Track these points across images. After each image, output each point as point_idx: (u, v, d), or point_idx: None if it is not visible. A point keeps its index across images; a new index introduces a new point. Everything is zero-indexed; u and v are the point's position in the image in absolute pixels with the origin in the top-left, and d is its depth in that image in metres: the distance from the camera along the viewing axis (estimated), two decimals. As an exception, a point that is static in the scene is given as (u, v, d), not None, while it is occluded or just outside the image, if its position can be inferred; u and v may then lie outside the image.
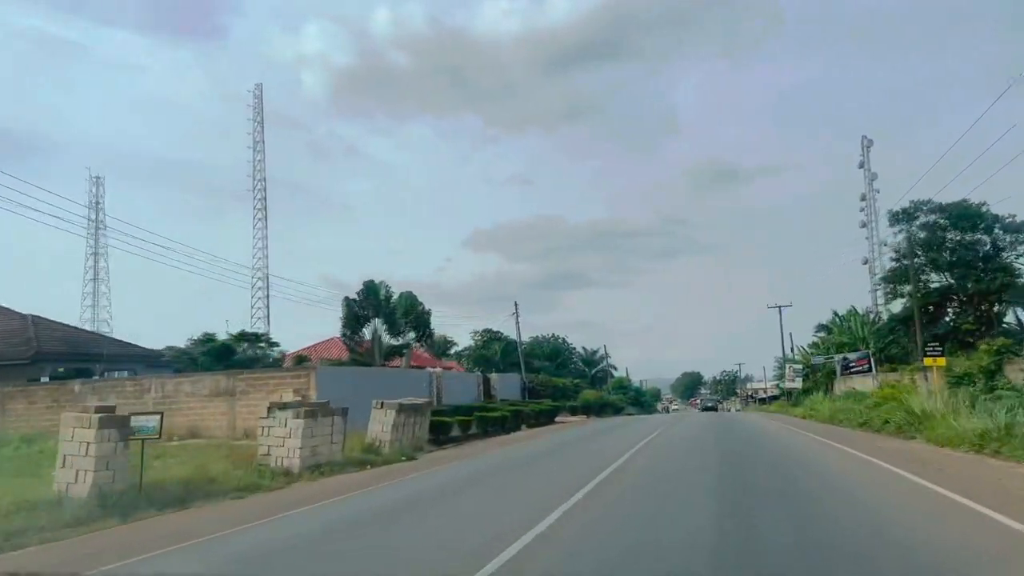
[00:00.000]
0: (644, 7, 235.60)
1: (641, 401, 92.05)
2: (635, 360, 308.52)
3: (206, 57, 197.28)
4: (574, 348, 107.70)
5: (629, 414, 73.18)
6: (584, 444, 25.08)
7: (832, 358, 46.53)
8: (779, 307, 68.57)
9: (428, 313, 42.47)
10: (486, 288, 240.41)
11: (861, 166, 73.73)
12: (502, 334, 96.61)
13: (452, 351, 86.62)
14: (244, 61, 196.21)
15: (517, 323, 53.19)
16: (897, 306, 52.91)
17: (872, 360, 41.70)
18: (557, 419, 44.54)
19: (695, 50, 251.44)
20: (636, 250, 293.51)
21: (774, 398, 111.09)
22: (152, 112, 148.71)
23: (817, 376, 59.98)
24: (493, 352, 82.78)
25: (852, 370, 42.18)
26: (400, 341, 42.07)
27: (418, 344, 43.16)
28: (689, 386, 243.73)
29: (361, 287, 37.82)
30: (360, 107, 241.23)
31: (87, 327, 57.08)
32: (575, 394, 56.75)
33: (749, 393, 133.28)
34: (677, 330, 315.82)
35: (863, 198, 74.60)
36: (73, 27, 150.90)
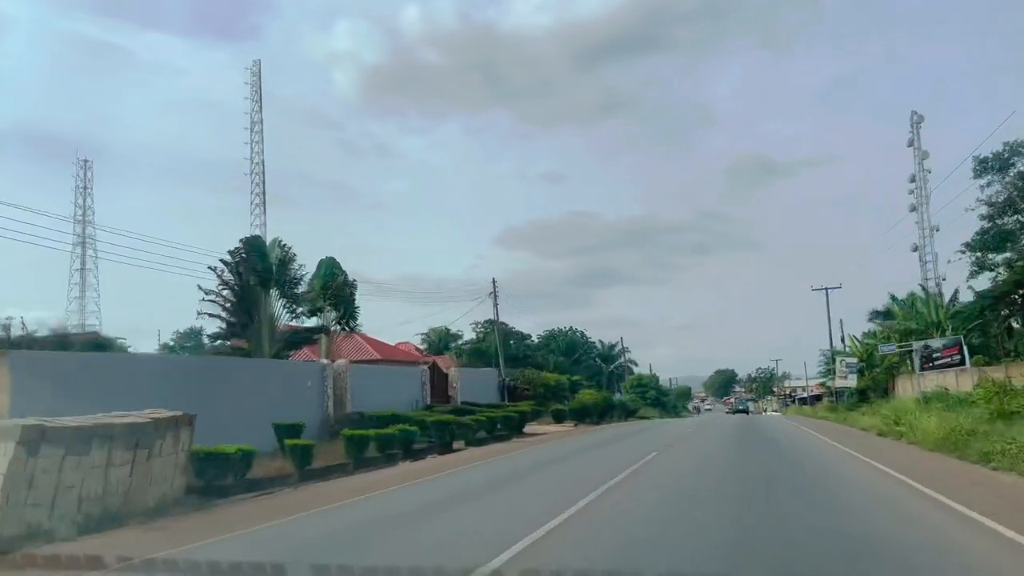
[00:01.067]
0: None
1: (663, 402, 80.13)
2: (670, 358, 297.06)
3: (242, 57, 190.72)
4: (593, 343, 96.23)
5: (644, 417, 61.48)
6: (470, 503, 13.11)
7: (909, 345, 34.17)
8: (826, 289, 56.22)
9: (352, 286, 31.48)
10: (518, 286, 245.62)
11: (910, 144, 64.80)
12: (507, 325, 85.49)
13: (454, 345, 76.02)
14: (279, 61, 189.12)
15: (495, 304, 42.15)
16: (982, 283, 40.49)
17: (965, 349, 29.48)
18: (528, 428, 33.01)
19: (733, 42, 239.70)
20: (672, 246, 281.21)
21: (816, 398, 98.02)
22: (190, 113, 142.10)
23: (875, 372, 47.72)
24: (488, 345, 71.67)
25: (937, 363, 29.99)
26: (320, 323, 31.24)
27: (340, 327, 32.06)
28: (723, 384, 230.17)
29: (240, 245, 26.62)
30: (392, 105, 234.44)
31: (74, 320, 51.30)
32: (571, 394, 45.26)
33: (788, 392, 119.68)
34: (714, 327, 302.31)
35: (912, 179, 66.42)
36: (114, 31, 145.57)
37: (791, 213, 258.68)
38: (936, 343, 29.63)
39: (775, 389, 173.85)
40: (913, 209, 68.49)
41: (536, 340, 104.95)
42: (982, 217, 37.32)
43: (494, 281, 41.50)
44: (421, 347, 69.33)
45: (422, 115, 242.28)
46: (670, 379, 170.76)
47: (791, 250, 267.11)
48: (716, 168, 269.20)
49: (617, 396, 72.17)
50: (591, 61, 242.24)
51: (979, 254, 38.26)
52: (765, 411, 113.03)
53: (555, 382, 46.18)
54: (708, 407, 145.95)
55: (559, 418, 37.15)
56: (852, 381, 44.24)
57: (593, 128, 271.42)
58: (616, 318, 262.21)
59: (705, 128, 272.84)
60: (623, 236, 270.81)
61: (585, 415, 41.68)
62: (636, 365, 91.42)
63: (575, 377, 56.39)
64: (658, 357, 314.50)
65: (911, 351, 34.04)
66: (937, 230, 67.03)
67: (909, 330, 42.69)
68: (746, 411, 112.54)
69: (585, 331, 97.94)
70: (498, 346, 42.01)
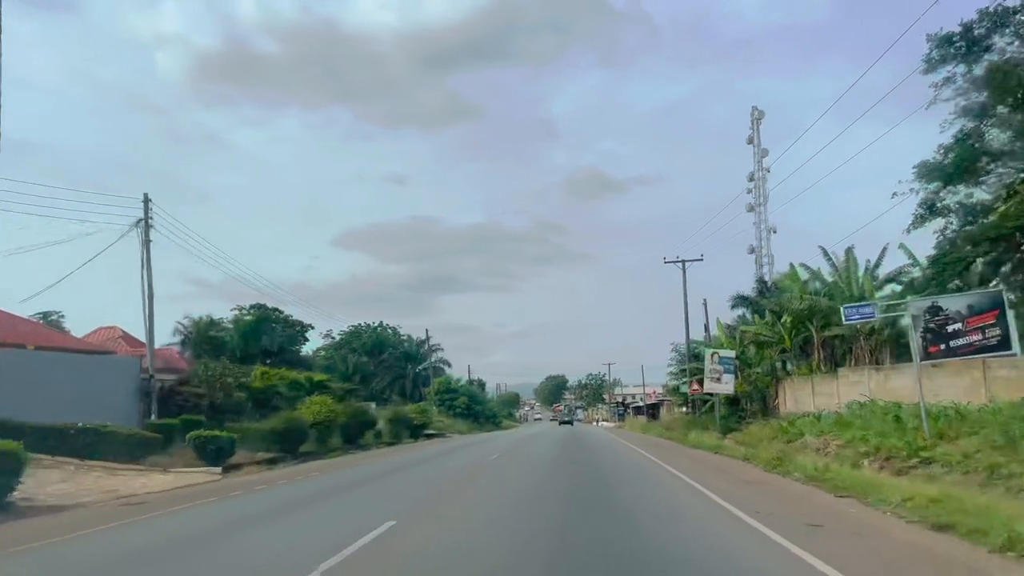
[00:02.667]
0: (527, 11, 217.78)
1: (476, 412, 63.36)
2: (507, 365, 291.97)
3: (57, 31, 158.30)
4: (405, 341, 77.87)
5: (438, 435, 44.14)
6: None
7: (900, 306, 17.47)
8: (682, 261, 41.55)
9: None
10: (356, 289, 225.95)
11: (750, 142, 61.30)
12: (282, 312, 64.92)
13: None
14: (99, 38, 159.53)
15: (144, 240, 22.45)
16: (922, 240, 27.10)
17: (1010, 317, 14.06)
18: (110, 479, 13.79)
19: (575, 58, 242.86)
20: (512, 255, 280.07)
21: (654, 407, 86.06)
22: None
23: (753, 374, 33.28)
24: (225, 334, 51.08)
25: (958, 340, 14.20)
26: None
27: None
28: (554, 391, 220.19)
29: None
30: (224, 95, 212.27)
31: None
32: (279, 404, 26.21)
33: (620, 399, 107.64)
34: (550, 335, 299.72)
35: (751, 178, 63.18)
36: None
37: (627, 226, 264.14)
38: (954, 301, 14.20)
39: (606, 397, 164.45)
40: (751, 209, 64.05)
41: (338, 337, 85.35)
42: (945, 124, 23.11)
43: (146, 198, 22.05)
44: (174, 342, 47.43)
45: (257, 106, 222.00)
46: (497, 385, 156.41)
47: (625, 262, 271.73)
48: (555, 181, 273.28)
49: (422, 403, 54.50)
50: (437, 65, 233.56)
51: (939, 186, 24.23)
52: (595, 422, 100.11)
53: (266, 385, 27.13)
54: (537, 416, 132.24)
55: (209, 452, 18.11)
56: (728, 385, 29.13)
57: (437, 133, 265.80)
58: (455, 324, 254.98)
59: (547, 141, 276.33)
60: (464, 243, 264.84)
61: (297, 439, 23.06)
62: (448, 366, 74.40)
63: (322, 378, 37.44)
64: (494, 364, 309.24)
65: (896, 317, 18.77)
66: (774, 232, 64.04)
67: (814, 309, 28.38)
68: (571, 423, 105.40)
69: (398, 327, 79.53)
70: (146, 321, 22.24)
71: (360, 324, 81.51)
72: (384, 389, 72.94)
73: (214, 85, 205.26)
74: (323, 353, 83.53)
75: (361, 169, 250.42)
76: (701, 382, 37.09)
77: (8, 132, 23.57)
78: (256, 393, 25.92)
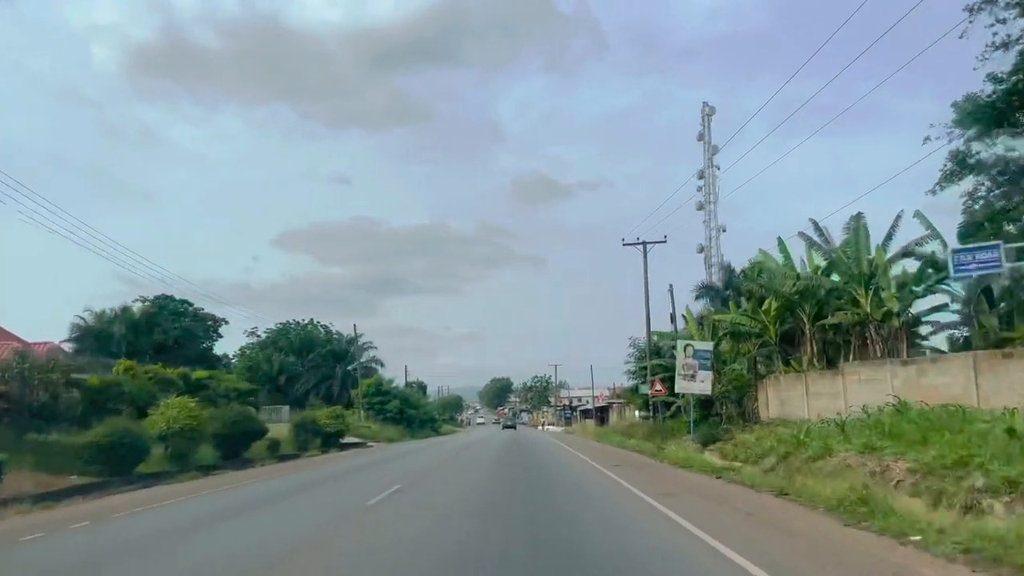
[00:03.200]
0: (475, 13, 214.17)
1: (410, 416, 56.75)
2: (453, 368, 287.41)
3: None
4: (336, 339, 70.90)
5: (358, 444, 37.71)
6: None
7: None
8: (643, 244, 36.26)
9: None
10: (297, 290, 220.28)
11: (700, 139, 60.32)
12: (191, 305, 57.44)
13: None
14: (31, 27, 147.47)
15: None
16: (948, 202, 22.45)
17: None
18: None
19: (523, 63, 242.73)
20: (459, 257, 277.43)
21: (603, 409, 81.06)
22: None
23: (730, 371, 28.05)
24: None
25: None
26: None
27: None
28: (498, 394, 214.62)
29: None
30: (162, 89, 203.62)
31: None
32: (119, 407, 19.57)
33: (567, 403, 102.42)
34: (496, 338, 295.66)
35: (701, 175, 61.41)
36: None
37: (572, 231, 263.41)
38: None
39: (551, 399, 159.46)
40: (700, 207, 61.89)
41: (264, 335, 77.66)
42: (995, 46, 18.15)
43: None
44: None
45: (197, 103, 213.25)
46: (439, 387, 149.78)
47: (572, 265, 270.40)
48: (502, 184, 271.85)
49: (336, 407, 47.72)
50: (384, 66, 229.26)
51: (963, 134, 19.31)
52: (541, 426, 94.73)
53: (107, 384, 20.27)
54: (480, 419, 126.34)
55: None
56: (705, 384, 23.70)
57: (383, 133, 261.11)
58: (400, 327, 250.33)
59: (494, 144, 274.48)
60: (410, 245, 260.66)
61: (132, 457, 16.49)
62: (381, 366, 67.54)
63: (202, 375, 30.65)
64: (441, 367, 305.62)
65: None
66: (724, 230, 63.21)
67: (809, 290, 23.23)
68: (514, 427, 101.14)
69: (331, 325, 72.47)
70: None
71: (289, 321, 74.23)
72: (308, 392, 65.98)
73: (151, 79, 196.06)
74: (248, 352, 75.89)
75: (305, 169, 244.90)
76: (665, 381, 31.77)
77: None
78: (94, 393, 19.24)
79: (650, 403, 32.98)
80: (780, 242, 27.30)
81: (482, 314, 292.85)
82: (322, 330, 72.27)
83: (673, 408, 31.64)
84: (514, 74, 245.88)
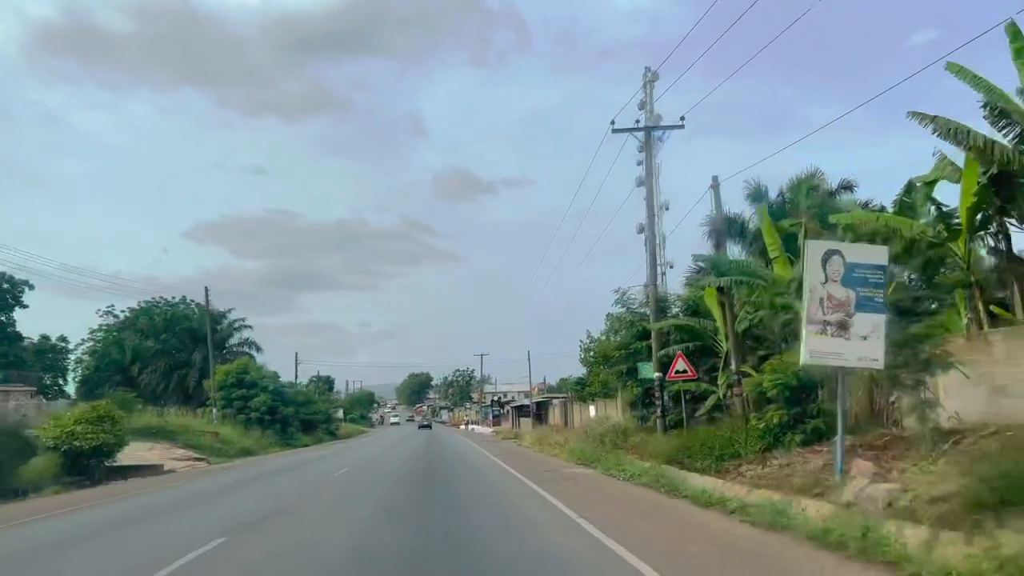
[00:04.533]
0: (396, 2, 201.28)
1: (284, 416, 40.53)
2: (371, 366, 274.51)
3: None
4: (218, 318, 54.36)
5: (120, 471, 22.48)
6: None
7: None
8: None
9: None
10: (209, 284, 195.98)
11: (641, 107, 48.77)
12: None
13: None
14: None
15: None
16: None
17: None
18: None
19: (445, 55, 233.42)
20: (379, 253, 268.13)
21: (541, 406, 67.22)
22: None
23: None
24: None
25: None
26: None
27: None
28: (417, 390, 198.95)
29: None
30: (64, 71, 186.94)
31: None
32: None
33: (496, 399, 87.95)
34: (416, 335, 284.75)
35: (641, 148, 49.74)
36: None
37: (494, 228, 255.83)
38: None
39: (474, 395, 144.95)
40: (640, 184, 53.28)
41: (122, 316, 60.03)
42: None
43: None
44: None
45: (102, 87, 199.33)
46: (347, 382, 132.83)
47: (494, 261, 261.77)
48: (424, 179, 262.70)
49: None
50: (300, 54, 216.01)
51: None
52: (465, 424, 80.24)
53: None
54: (395, 418, 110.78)
55: None
56: (873, 342, 10.08)
57: (299, 123, 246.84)
58: (317, 323, 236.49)
59: (415, 138, 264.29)
60: (327, 239, 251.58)
61: None
62: (258, 351, 51.36)
63: None
64: (359, 365, 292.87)
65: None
66: (667, 208, 53.27)
67: None
68: (429, 426, 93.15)
69: (210, 304, 55.71)
70: None
71: (157, 299, 57.03)
72: (160, 385, 49.39)
73: (52, 59, 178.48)
74: (100, 334, 58.44)
75: (218, 158, 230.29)
76: (692, 355, 17.99)
77: None
78: None
79: (663, 393, 19.03)
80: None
81: (402, 311, 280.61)
82: (195, 310, 55.57)
83: (710, 403, 17.82)
84: (436, 67, 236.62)
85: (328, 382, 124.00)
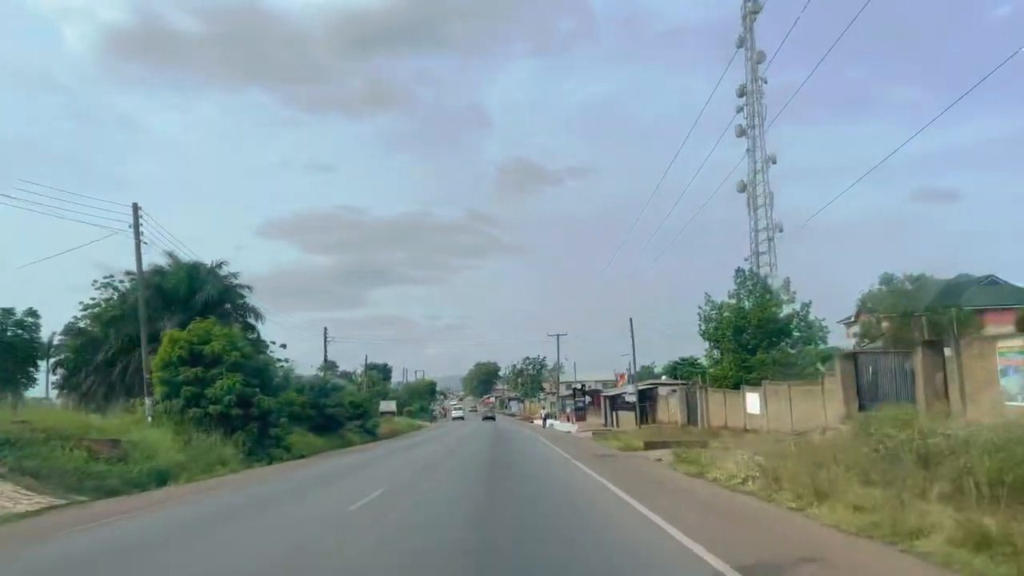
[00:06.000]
0: None
1: (263, 410, 25.18)
2: (441, 358, 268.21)
3: None
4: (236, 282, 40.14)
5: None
6: None
7: None
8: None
9: None
10: (282, 281, 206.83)
11: (740, 44, 49.85)
12: None
13: None
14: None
15: None
16: None
17: None
18: None
19: (508, 45, 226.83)
20: (446, 246, 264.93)
21: (645, 397, 49.99)
22: None
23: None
24: None
25: None
26: None
27: None
28: (485, 380, 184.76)
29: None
30: (137, 75, 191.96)
31: None
32: None
33: (580, 387, 71.45)
34: (487, 327, 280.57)
35: (742, 92, 49.89)
36: None
37: (559, 218, 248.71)
38: None
39: (546, 385, 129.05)
40: (742, 133, 50.96)
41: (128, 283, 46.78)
42: None
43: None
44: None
45: (173, 89, 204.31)
46: (406, 370, 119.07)
47: (559, 254, 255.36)
48: (488, 171, 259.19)
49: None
50: (363, 49, 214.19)
51: None
52: (543, 420, 64.40)
53: None
54: (457, 409, 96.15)
55: None
56: None
57: (363, 119, 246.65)
58: (386, 317, 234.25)
59: (478, 130, 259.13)
60: (393, 233, 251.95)
61: None
62: (258, 320, 36.77)
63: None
64: (428, 357, 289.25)
65: None
66: (774, 162, 50.31)
67: None
68: (492, 418, 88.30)
69: (224, 264, 41.81)
70: None
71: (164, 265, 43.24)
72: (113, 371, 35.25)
73: (126, 64, 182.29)
74: (101, 303, 45.40)
75: (285, 156, 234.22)
76: None
77: None
78: None
79: None
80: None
81: (469, 303, 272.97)
82: (209, 270, 41.42)
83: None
84: (499, 58, 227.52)
85: (384, 370, 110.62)
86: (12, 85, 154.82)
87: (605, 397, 51.57)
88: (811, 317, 39.58)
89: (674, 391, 43.32)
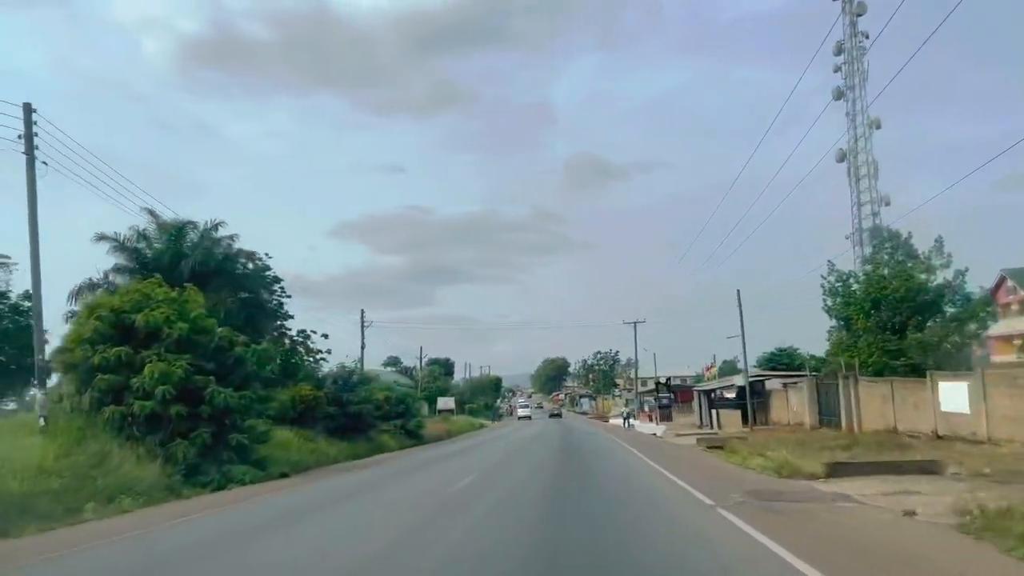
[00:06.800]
0: None
1: (217, 407, 17.49)
2: (508, 355, 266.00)
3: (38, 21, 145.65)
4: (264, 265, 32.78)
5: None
6: None
7: None
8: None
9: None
10: (354, 281, 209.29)
11: None
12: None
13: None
14: (82, 24, 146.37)
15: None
16: None
17: None
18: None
19: (573, 39, 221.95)
20: (513, 245, 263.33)
21: (756, 392, 39.17)
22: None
23: None
24: None
25: None
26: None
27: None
28: (553, 376, 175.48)
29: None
30: (213, 82, 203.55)
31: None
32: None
33: (663, 381, 61.52)
34: (555, 325, 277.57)
35: (839, 50, 46.38)
36: None
37: (627, 214, 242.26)
38: None
39: (619, 381, 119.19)
40: (840, 96, 46.61)
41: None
42: None
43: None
44: None
45: (247, 95, 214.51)
46: (467, 365, 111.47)
47: (627, 250, 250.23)
48: (554, 168, 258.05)
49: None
50: (429, 48, 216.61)
51: None
52: (624, 419, 55.19)
53: None
54: (523, 407, 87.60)
55: None
56: None
57: (429, 120, 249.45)
58: (455, 316, 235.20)
59: (543, 127, 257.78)
60: (461, 233, 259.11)
61: None
62: (261, 265, 29.21)
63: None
64: (496, 355, 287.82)
65: None
66: (878, 127, 46.07)
67: None
68: (559, 415, 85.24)
69: (219, 224, 34.64)
70: None
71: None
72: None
73: (202, 72, 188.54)
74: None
75: (354, 159, 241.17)
76: None
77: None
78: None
79: None
80: None
81: (537, 301, 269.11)
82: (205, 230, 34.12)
83: None
84: (564, 53, 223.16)
85: (445, 365, 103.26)
86: (95, 96, 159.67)
87: (699, 392, 41.92)
88: (967, 288, 30.24)
89: (794, 383, 33.52)
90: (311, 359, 32.20)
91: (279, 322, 35.14)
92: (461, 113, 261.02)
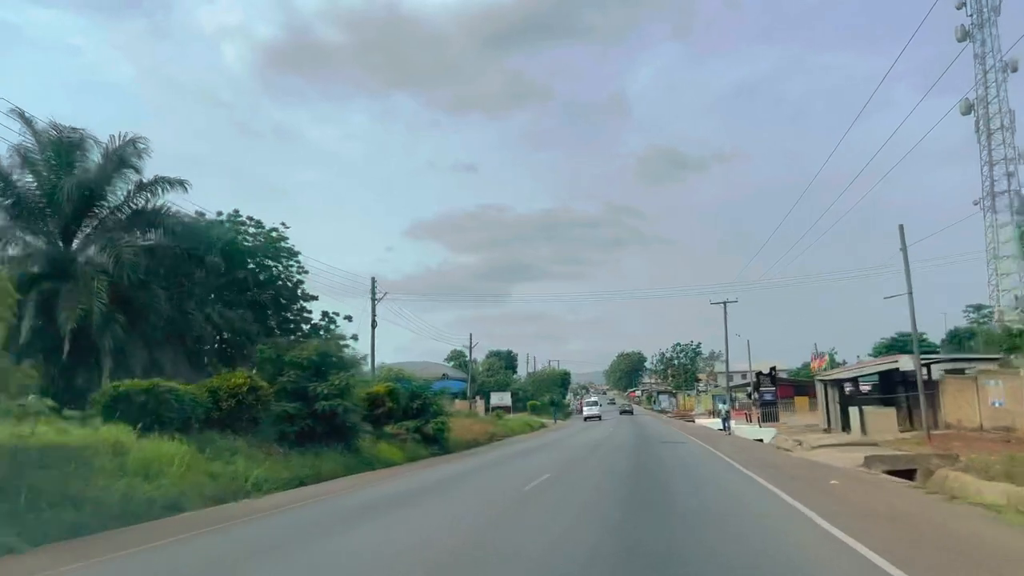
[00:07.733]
0: None
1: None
2: (584, 352, 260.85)
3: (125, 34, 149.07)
4: (279, 236, 24.59)
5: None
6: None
7: None
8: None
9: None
10: (431, 280, 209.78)
11: None
12: None
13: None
14: (165, 33, 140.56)
15: None
16: None
17: None
18: None
19: (646, 30, 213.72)
20: (586, 240, 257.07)
21: (927, 384, 27.76)
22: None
23: None
24: None
25: None
26: None
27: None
28: (629, 372, 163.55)
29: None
30: (291, 87, 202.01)
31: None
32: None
33: (770, 371, 49.98)
34: (630, 320, 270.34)
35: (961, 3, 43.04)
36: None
37: (703, 207, 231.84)
38: None
39: (701, 376, 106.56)
40: (965, 36, 43.07)
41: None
42: None
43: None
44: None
45: (325, 98, 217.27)
46: (533, 358, 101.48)
47: (704, 243, 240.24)
48: (628, 162, 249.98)
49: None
50: (500, 45, 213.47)
51: None
52: (722, 420, 44.26)
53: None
54: (592, 403, 77.33)
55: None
56: None
57: (503, 117, 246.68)
58: (530, 313, 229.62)
59: (617, 121, 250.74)
60: (535, 230, 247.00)
61: None
62: (302, 278, 22.26)
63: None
64: (570, 352, 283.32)
65: None
66: (1014, 70, 43.14)
67: None
68: (630, 411, 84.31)
69: (250, 218, 27.14)
70: None
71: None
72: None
73: (281, 77, 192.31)
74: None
75: (429, 159, 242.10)
76: None
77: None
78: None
79: None
80: None
81: (612, 297, 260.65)
82: (244, 225, 26.51)
83: None
84: (638, 45, 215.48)
85: (507, 358, 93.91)
86: (179, 103, 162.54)
87: (825, 383, 30.64)
88: None
89: (984, 371, 22.23)
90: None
91: (297, 304, 27.99)
92: (534, 110, 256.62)
